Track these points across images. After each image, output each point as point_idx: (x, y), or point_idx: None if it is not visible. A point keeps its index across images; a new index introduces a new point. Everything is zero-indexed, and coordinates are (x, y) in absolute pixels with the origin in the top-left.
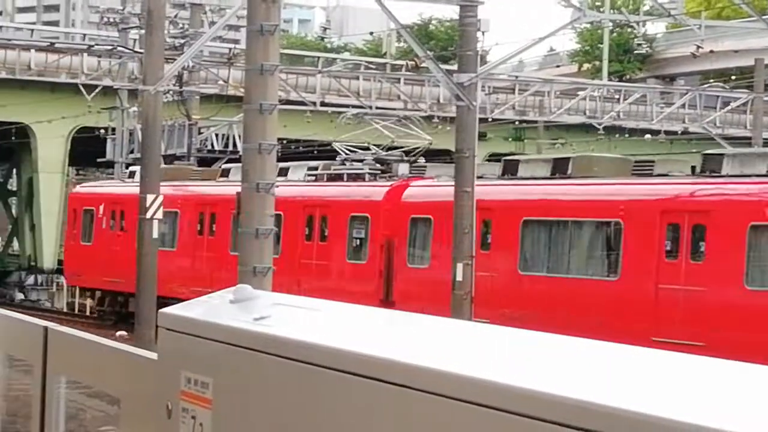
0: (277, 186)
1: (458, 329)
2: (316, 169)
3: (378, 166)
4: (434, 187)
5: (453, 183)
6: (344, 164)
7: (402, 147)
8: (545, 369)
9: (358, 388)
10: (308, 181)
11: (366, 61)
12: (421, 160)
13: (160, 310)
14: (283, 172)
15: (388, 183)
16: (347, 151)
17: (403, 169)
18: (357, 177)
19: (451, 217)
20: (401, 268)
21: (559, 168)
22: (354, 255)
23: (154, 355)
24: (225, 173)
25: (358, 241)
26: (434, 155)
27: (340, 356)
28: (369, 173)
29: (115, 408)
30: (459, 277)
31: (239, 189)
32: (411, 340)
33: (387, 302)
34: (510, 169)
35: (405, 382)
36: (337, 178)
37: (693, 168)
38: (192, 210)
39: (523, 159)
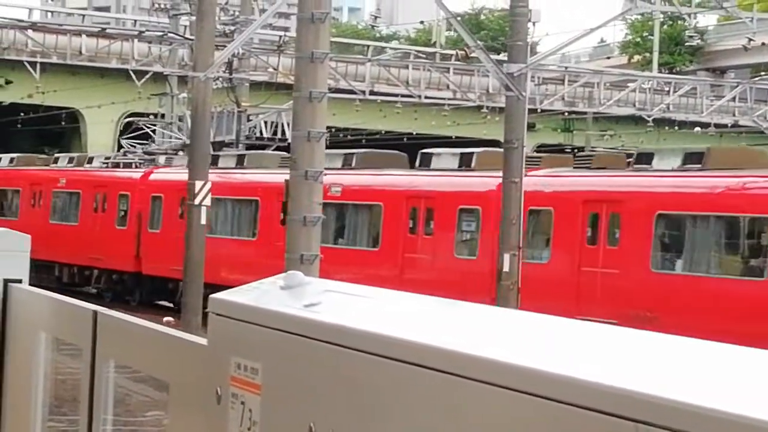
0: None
1: (509, 318)
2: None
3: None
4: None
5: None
6: None
7: None
8: (594, 359)
9: (407, 375)
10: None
11: (416, 50)
12: None
13: (211, 296)
14: (644, 159)
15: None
16: None
17: None
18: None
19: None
20: None
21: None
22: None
23: (203, 341)
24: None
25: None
26: (484, 145)
27: (391, 343)
28: None
29: (163, 393)
30: (506, 268)
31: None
32: (461, 329)
33: None
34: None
35: (455, 370)
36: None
37: None
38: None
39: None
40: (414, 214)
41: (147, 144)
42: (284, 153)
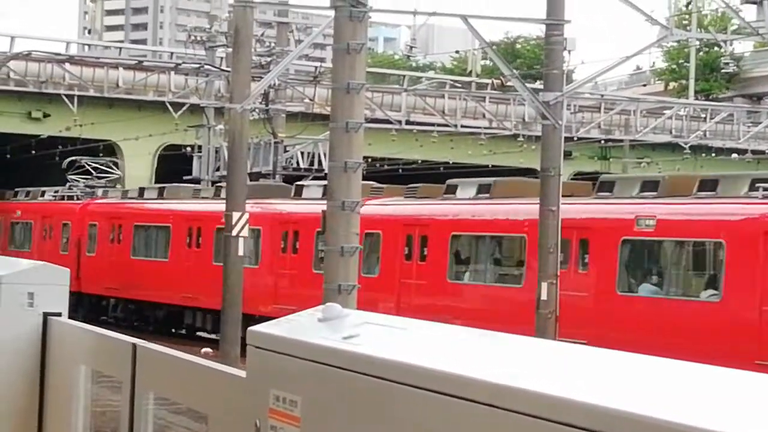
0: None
1: (546, 349)
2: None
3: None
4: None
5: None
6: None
7: None
8: (629, 388)
9: (446, 407)
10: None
11: (451, 80)
12: None
13: (249, 328)
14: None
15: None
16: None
17: None
18: None
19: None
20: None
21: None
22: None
23: (242, 373)
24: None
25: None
26: (521, 174)
27: (429, 376)
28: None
29: (202, 424)
30: (543, 296)
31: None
32: (499, 360)
33: None
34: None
35: (496, 402)
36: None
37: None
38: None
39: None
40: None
41: (91, 178)
42: (197, 186)
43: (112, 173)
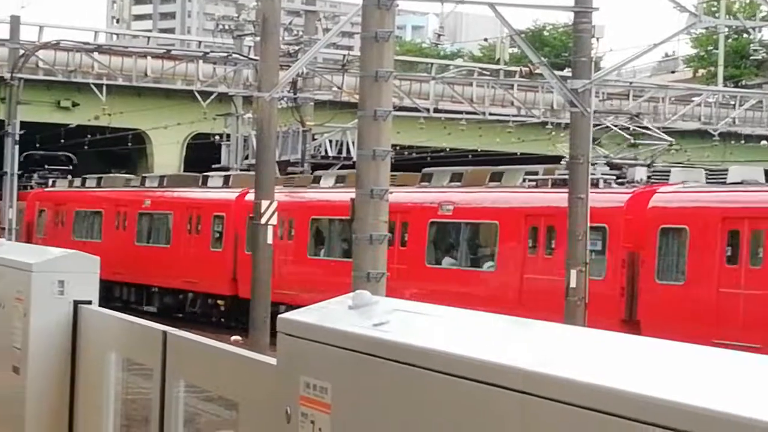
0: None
1: (577, 336)
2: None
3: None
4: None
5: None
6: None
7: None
8: (650, 373)
9: (477, 394)
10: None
11: (479, 68)
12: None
13: (280, 316)
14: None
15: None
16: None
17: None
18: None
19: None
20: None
21: None
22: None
23: (272, 361)
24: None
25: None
26: (549, 162)
27: (459, 362)
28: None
29: (232, 412)
30: (572, 284)
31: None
32: (531, 346)
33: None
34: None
35: (528, 389)
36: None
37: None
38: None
39: None
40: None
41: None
42: (131, 176)
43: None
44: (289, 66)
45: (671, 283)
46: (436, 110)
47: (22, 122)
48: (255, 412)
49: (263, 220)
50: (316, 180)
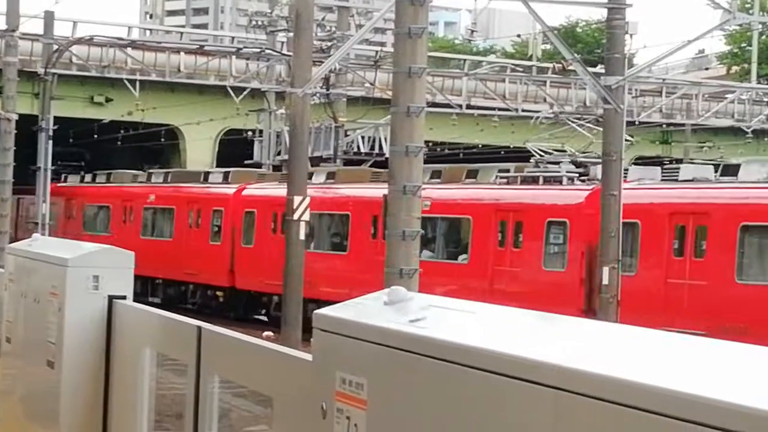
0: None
1: (613, 333)
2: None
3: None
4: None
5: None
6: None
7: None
8: (686, 370)
9: (513, 390)
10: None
11: (512, 64)
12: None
13: (315, 311)
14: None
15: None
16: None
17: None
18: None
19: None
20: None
21: None
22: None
23: (307, 356)
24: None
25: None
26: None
27: (495, 358)
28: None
29: (264, 407)
30: (605, 281)
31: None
32: (567, 343)
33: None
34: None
35: (560, 384)
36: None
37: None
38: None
39: None
40: None
41: None
42: (139, 172)
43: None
44: (322, 62)
45: (624, 274)
46: (468, 106)
47: (55, 118)
48: (290, 407)
49: (296, 216)
50: (309, 176)
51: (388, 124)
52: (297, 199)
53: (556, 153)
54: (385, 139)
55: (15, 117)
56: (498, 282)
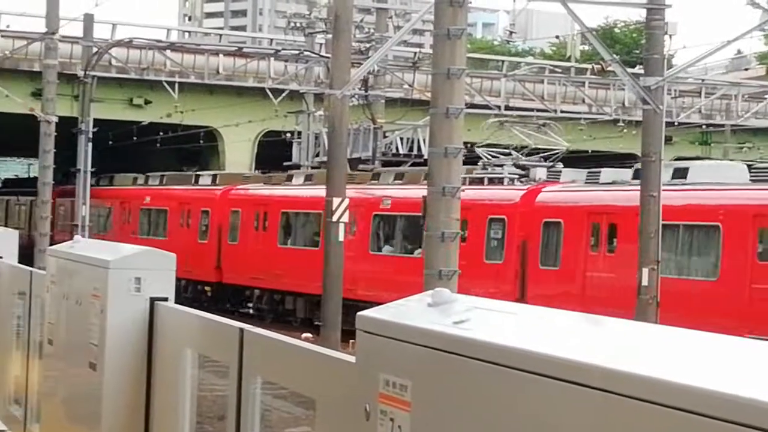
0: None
1: (653, 333)
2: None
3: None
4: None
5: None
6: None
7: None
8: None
9: (558, 392)
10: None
11: (550, 65)
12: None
13: (359, 313)
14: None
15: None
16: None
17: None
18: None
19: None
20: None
21: None
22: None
23: (351, 358)
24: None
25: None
26: (619, 159)
27: (542, 360)
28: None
29: (303, 408)
30: (644, 282)
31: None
32: (612, 344)
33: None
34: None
35: (605, 386)
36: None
37: None
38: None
39: None
40: None
41: None
42: (140, 174)
43: None
44: (361, 63)
45: (550, 268)
46: (507, 108)
47: (95, 120)
48: (333, 408)
49: (335, 218)
50: (289, 178)
51: (426, 125)
52: (336, 201)
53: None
54: (424, 140)
55: (55, 119)
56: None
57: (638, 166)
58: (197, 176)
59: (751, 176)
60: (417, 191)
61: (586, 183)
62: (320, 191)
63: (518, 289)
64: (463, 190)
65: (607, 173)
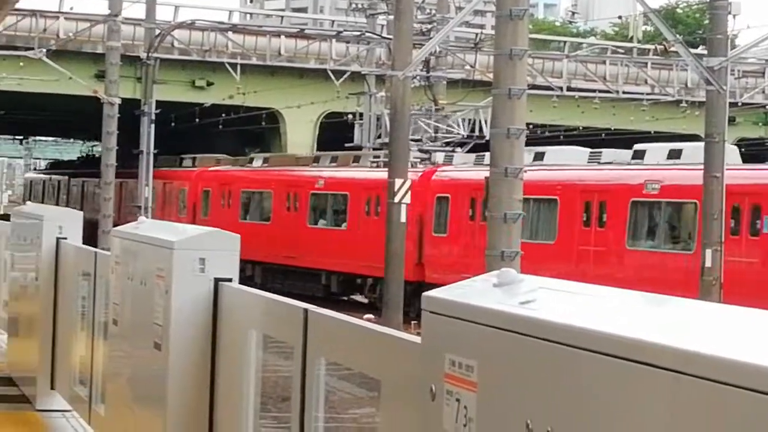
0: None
1: (724, 314)
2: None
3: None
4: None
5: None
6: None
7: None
8: None
9: (627, 373)
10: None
11: (613, 46)
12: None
13: (424, 294)
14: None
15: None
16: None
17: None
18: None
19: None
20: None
21: None
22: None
23: (416, 339)
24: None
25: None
26: (683, 140)
27: (608, 340)
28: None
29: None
30: (708, 263)
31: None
32: (679, 324)
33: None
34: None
35: (675, 366)
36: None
37: None
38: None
39: None
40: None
41: None
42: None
43: None
44: (422, 45)
45: (441, 235)
46: (569, 88)
47: (157, 101)
48: (398, 389)
49: (397, 199)
50: (250, 161)
51: (488, 106)
52: (398, 182)
53: None
54: (485, 121)
55: (118, 101)
56: (363, 242)
57: (637, 147)
58: (181, 159)
59: (589, 159)
60: (345, 173)
61: (474, 164)
62: (274, 173)
63: (417, 255)
64: (378, 172)
65: (607, 154)
